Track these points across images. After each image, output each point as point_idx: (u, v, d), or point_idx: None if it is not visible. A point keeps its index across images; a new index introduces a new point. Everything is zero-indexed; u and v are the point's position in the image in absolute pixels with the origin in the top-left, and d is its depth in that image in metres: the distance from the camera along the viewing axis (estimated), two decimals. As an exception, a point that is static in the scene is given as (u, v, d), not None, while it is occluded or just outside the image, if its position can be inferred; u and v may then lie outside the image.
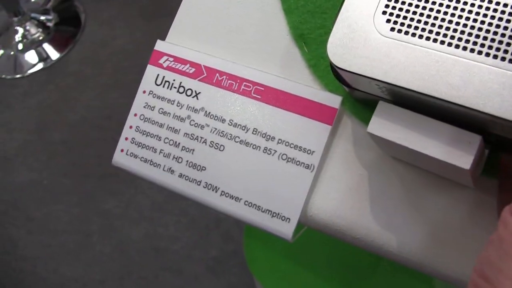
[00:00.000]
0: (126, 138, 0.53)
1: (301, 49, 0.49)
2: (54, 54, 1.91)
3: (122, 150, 0.53)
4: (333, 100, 0.46)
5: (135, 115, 0.53)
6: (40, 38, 1.95)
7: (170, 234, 1.51)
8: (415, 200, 0.44)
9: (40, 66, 1.90)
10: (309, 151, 0.46)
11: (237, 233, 1.43)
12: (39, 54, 1.93)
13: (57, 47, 1.93)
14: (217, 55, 0.52)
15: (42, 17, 2.00)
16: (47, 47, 1.94)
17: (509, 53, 0.35)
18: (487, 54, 0.36)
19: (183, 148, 0.51)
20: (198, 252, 1.46)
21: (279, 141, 0.47)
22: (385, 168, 0.45)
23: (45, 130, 1.75)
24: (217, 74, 0.51)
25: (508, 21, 0.36)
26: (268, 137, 0.48)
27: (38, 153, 1.72)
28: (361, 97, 0.44)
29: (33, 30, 1.96)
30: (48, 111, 1.79)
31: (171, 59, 0.53)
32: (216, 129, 0.50)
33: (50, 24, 1.99)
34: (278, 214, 0.46)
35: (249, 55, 0.51)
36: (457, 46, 0.37)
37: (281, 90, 0.48)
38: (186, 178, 0.50)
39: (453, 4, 0.37)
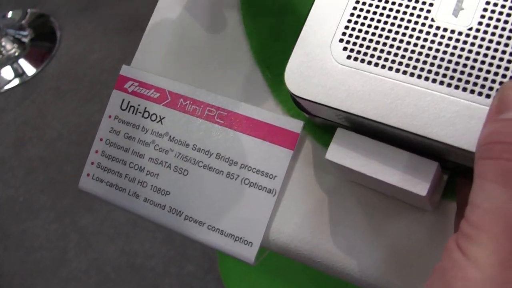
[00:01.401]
0: (92, 163, 0.54)
1: (264, 74, 0.50)
2: (30, 70, 1.91)
3: (88, 175, 0.54)
4: (295, 125, 0.47)
5: (101, 139, 0.54)
6: (16, 54, 1.95)
7: (146, 250, 1.51)
8: (375, 224, 0.44)
9: (16, 82, 1.90)
10: (271, 176, 0.47)
11: (213, 249, 1.43)
12: (15, 70, 1.92)
13: (33, 62, 1.93)
14: (181, 80, 0.52)
15: (18, 33, 1.99)
16: (23, 63, 1.93)
17: (463, 81, 0.36)
18: (441, 83, 0.36)
19: (148, 172, 0.51)
20: (174, 268, 1.46)
21: (242, 166, 0.48)
22: (346, 192, 0.45)
23: (22, 146, 1.75)
24: (181, 99, 0.51)
25: (462, 49, 0.36)
26: (231, 161, 0.48)
27: (15, 169, 1.71)
28: (321, 123, 0.45)
29: (8, 46, 1.96)
30: (25, 127, 1.79)
31: (136, 84, 0.53)
32: (180, 153, 0.50)
33: (25, 39, 1.98)
34: (241, 238, 0.47)
35: (213, 79, 0.52)
36: (412, 74, 0.37)
37: (244, 115, 0.49)
38: (151, 202, 0.50)
39: (408, 32, 0.38)
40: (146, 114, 0.52)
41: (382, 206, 0.44)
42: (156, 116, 0.52)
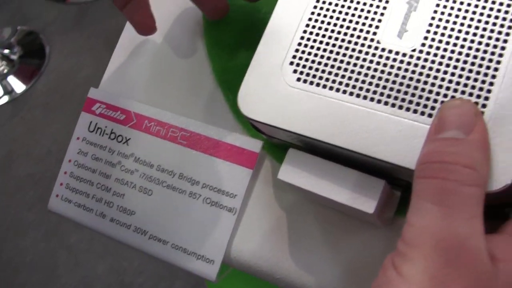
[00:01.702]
0: (61, 184, 0.55)
1: (226, 96, 0.51)
2: (19, 87, 1.92)
3: (57, 196, 0.55)
4: (254, 145, 0.48)
5: (70, 161, 0.55)
6: (5, 71, 1.96)
7: (135, 267, 1.51)
8: (332, 241, 0.45)
9: (5, 99, 1.91)
10: (231, 195, 0.48)
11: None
12: (4, 87, 1.94)
13: (22, 79, 1.94)
14: (147, 101, 0.53)
15: (6, 51, 2.01)
16: (12, 80, 1.95)
17: (406, 101, 0.37)
18: (386, 103, 0.38)
19: (114, 193, 0.52)
20: (164, 284, 1.47)
21: (204, 185, 0.49)
22: (304, 210, 0.46)
23: (11, 163, 1.75)
24: (146, 121, 0.52)
25: (405, 70, 0.38)
26: (193, 181, 0.49)
27: (4, 187, 1.72)
28: (278, 143, 0.46)
29: (-3, 63, 1.97)
30: (14, 144, 1.80)
31: (103, 106, 0.54)
32: (145, 174, 0.51)
33: (14, 57, 2.00)
34: (203, 256, 0.48)
35: (177, 101, 0.53)
36: (358, 95, 0.38)
37: (205, 135, 0.50)
38: (117, 222, 0.51)
39: (355, 55, 0.39)
40: (112, 136, 0.53)
41: (339, 224, 0.45)
42: (122, 138, 0.53)
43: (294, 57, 0.41)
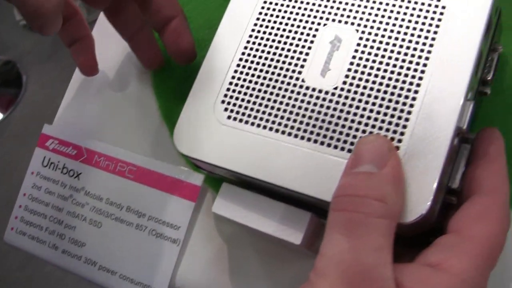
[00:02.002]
0: (16, 217, 0.56)
1: (170, 131, 0.53)
2: (-4, 116, 1.94)
3: (12, 229, 0.56)
4: (196, 179, 0.50)
5: (24, 195, 0.57)
6: (-18, 101, 1.97)
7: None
8: (270, 270, 0.47)
9: (-18, 129, 1.92)
10: (175, 227, 0.50)
11: None
12: (-19, 117, 1.95)
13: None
14: (97, 137, 0.56)
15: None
16: (-11, 110, 1.96)
17: (327, 137, 0.39)
18: (309, 139, 0.40)
19: (66, 225, 0.54)
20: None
21: (150, 218, 0.51)
22: (244, 241, 0.48)
23: (-13, 192, 1.76)
24: (96, 156, 0.54)
25: (327, 107, 0.40)
26: (140, 214, 0.51)
27: (-20, 216, 1.72)
28: (216, 177, 0.48)
29: (-27, 93, 1.98)
30: (-9, 173, 1.81)
31: (56, 141, 0.56)
32: (94, 207, 0.53)
33: (-9, 86, 2.01)
34: (149, 286, 0.49)
35: (126, 136, 0.55)
36: (283, 132, 0.40)
37: (151, 169, 0.52)
38: (68, 254, 0.53)
39: (281, 93, 0.41)
40: (64, 170, 0.55)
41: (276, 253, 0.47)
42: (74, 172, 0.55)
43: (225, 96, 0.43)
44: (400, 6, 0.41)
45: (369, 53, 0.40)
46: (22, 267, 1.61)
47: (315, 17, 0.43)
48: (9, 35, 2.12)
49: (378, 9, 0.41)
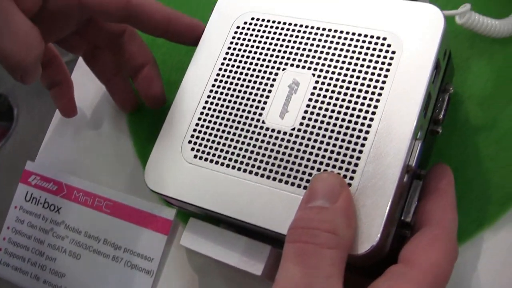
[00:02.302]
0: (0, 249, 0.59)
1: (144, 168, 0.56)
2: (-12, 150, 1.95)
3: (-4, 260, 0.59)
4: (169, 213, 0.53)
5: (8, 228, 0.59)
6: (-26, 134, 1.99)
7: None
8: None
9: (-26, 161, 1.93)
10: (149, 258, 0.53)
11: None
12: (-28, 150, 1.96)
13: (-9, 142, 1.97)
14: (76, 173, 0.59)
15: (-25, 114, 2.04)
16: (-19, 143, 1.97)
17: (285, 175, 0.42)
18: (268, 177, 0.42)
19: (47, 257, 0.57)
20: None
21: (125, 250, 0.54)
22: (214, 272, 0.51)
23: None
24: (75, 191, 0.57)
25: (286, 147, 0.43)
26: (116, 246, 0.54)
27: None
28: (187, 212, 0.50)
29: (-35, 127, 2.00)
30: (-18, 205, 1.82)
31: (38, 177, 0.60)
32: (74, 240, 0.56)
33: (-17, 119, 2.03)
34: (124, 315, 0.52)
35: (102, 173, 0.58)
36: (244, 170, 0.43)
37: (126, 204, 0.55)
38: (49, 284, 0.56)
39: (243, 134, 0.44)
40: (46, 205, 0.58)
41: (245, 283, 0.50)
42: (54, 207, 0.58)
43: (192, 136, 0.46)
44: (354, 52, 0.44)
45: (324, 96, 0.43)
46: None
47: (275, 62, 0.46)
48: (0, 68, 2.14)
49: (333, 54, 0.44)
